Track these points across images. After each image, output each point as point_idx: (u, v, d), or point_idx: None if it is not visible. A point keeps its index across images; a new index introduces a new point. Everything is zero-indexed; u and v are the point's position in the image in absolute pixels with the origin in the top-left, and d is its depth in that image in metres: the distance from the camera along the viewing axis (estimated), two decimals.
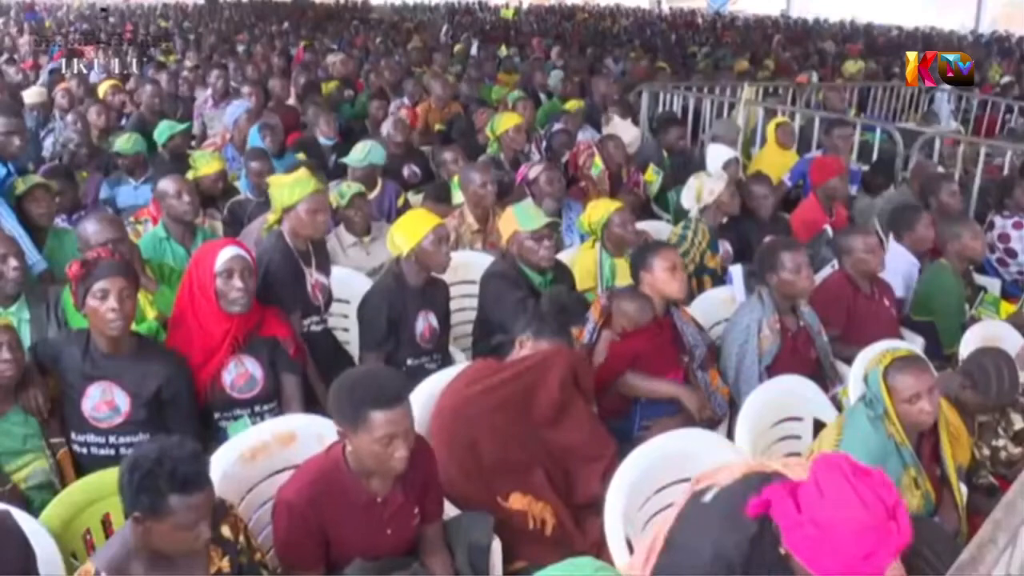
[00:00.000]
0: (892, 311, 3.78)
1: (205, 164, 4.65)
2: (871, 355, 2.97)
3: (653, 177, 5.60)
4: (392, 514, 2.25)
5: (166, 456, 1.81)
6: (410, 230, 3.20)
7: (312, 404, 2.92)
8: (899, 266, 4.07)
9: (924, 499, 2.59)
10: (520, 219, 3.46)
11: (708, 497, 1.82)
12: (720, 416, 3.19)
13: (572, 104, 7.13)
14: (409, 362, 3.26)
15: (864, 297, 3.67)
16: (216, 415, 2.81)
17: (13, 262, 2.96)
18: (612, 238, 3.77)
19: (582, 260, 3.90)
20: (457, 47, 13.03)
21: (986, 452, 2.97)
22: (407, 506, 2.28)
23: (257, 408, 2.86)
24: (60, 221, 4.13)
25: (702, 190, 4.17)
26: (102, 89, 7.28)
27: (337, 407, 2.14)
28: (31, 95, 6.84)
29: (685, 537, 1.81)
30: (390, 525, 2.25)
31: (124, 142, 5.05)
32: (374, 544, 2.24)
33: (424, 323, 3.28)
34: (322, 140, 5.82)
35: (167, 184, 3.67)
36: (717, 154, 5.19)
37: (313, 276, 3.33)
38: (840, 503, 1.63)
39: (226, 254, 2.78)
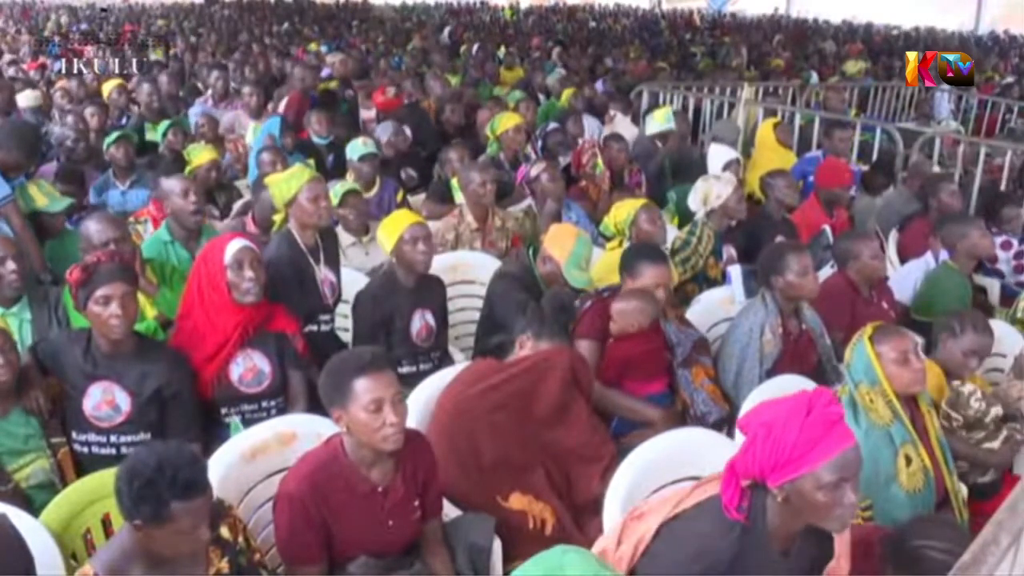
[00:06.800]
0: (891, 314, 3.76)
1: (198, 155, 4.64)
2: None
3: None
4: (393, 505, 2.23)
5: (166, 463, 1.78)
6: (388, 230, 3.25)
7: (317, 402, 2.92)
8: (912, 273, 4.07)
9: (923, 475, 2.50)
10: (571, 273, 3.33)
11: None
12: (702, 415, 3.10)
13: (566, 94, 7.08)
14: (406, 361, 3.25)
15: (863, 300, 3.65)
16: (223, 410, 2.81)
17: (11, 264, 2.95)
18: (641, 236, 3.66)
19: (609, 260, 3.79)
20: (463, 48, 13.02)
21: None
22: (408, 498, 2.27)
23: (264, 403, 2.86)
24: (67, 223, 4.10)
25: (709, 194, 4.07)
26: (106, 88, 7.15)
27: (326, 391, 2.17)
28: (25, 98, 6.75)
29: (674, 532, 1.85)
30: (391, 517, 2.24)
31: (110, 139, 4.99)
32: (376, 537, 2.23)
33: (421, 321, 3.29)
34: (315, 139, 5.79)
35: (172, 184, 3.58)
36: (718, 154, 5.15)
37: (322, 271, 3.32)
38: (773, 411, 1.79)
39: (234, 246, 2.82)
